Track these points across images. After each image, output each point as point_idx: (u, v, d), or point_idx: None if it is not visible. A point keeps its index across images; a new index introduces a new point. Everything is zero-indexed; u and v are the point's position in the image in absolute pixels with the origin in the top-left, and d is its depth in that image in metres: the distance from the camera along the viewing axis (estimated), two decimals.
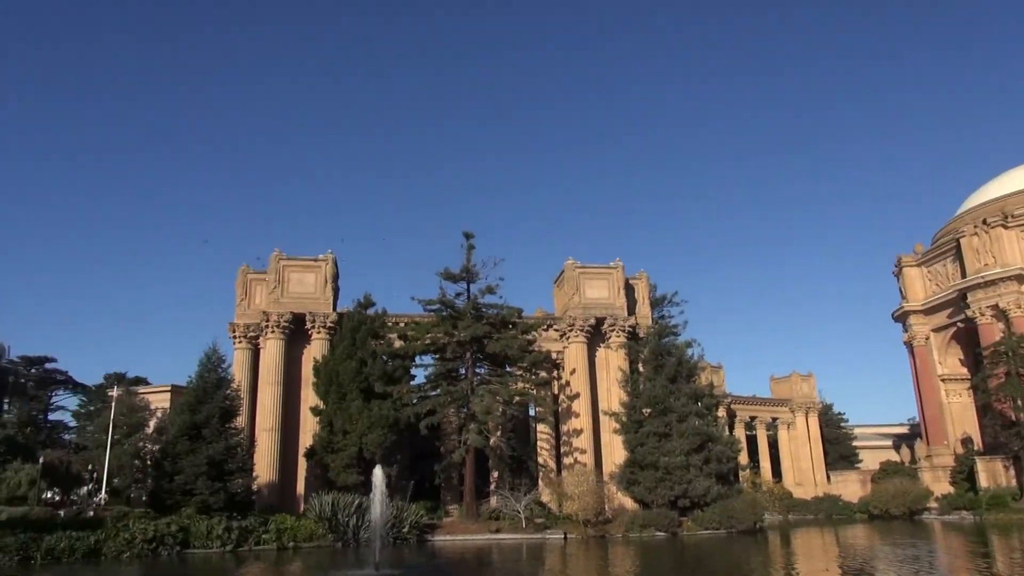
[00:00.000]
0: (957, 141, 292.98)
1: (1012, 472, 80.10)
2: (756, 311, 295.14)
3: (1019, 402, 77.03)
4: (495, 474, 69.44)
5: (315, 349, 69.42)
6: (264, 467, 64.39)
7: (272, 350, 69.87)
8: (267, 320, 69.99)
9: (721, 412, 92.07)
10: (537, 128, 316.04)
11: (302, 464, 65.80)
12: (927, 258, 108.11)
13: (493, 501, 64.25)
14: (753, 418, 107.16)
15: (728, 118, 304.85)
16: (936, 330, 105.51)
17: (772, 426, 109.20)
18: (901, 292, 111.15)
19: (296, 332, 71.00)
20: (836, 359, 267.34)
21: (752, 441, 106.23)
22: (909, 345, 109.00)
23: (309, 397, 66.62)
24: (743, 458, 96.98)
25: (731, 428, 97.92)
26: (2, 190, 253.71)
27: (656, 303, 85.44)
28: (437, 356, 68.04)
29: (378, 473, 36.88)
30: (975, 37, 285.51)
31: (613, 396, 71.57)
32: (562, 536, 55.52)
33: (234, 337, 72.85)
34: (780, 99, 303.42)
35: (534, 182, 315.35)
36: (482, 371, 68.18)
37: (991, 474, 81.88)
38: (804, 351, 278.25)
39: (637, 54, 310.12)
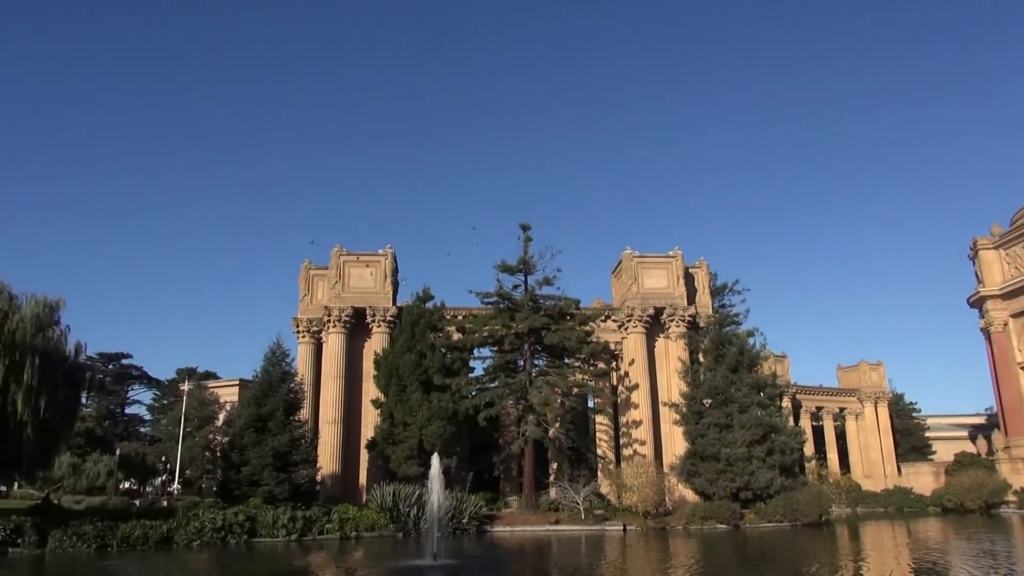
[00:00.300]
0: None
1: None
2: (824, 299, 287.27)
3: None
4: (554, 465, 69.42)
5: (375, 343, 70.54)
6: (327, 458, 65.81)
7: (334, 344, 71.27)
8: (328, 315, 71.40)
9: (785, 403, 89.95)
10: (597, 120, 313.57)
11: (364, 456, 66.99)
12: (1005, 240, 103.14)
13: (552, 492, 64.33)
14: (820, 408, 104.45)
15: (791, 107, 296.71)
16: (1015, 315, 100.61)
17: (839, 417, 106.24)
18: (977, 276, 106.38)
19: (357, 326, 72.26)
20: (908, 347, 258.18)
21: (819, 432, 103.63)
22: (986, 331, 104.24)
23: (370, 390, 67.74)
24: (809, 449, 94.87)
25: (796, 419, 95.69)
26: (78, 191, 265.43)
27: (717, 292, 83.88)
28: (495, 348, 68.42)
29: (435, 463, 37.29)
30: None
31: (673, 387, 70.69)
32: (621, 528, 55.24)
33: (297, 332, 74.54)
34: (847, 86, 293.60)
35: (593, 172, 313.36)
36: (540, 363, 68.24)
37: None
38: (874, 340, 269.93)
39: (693, 43, 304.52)
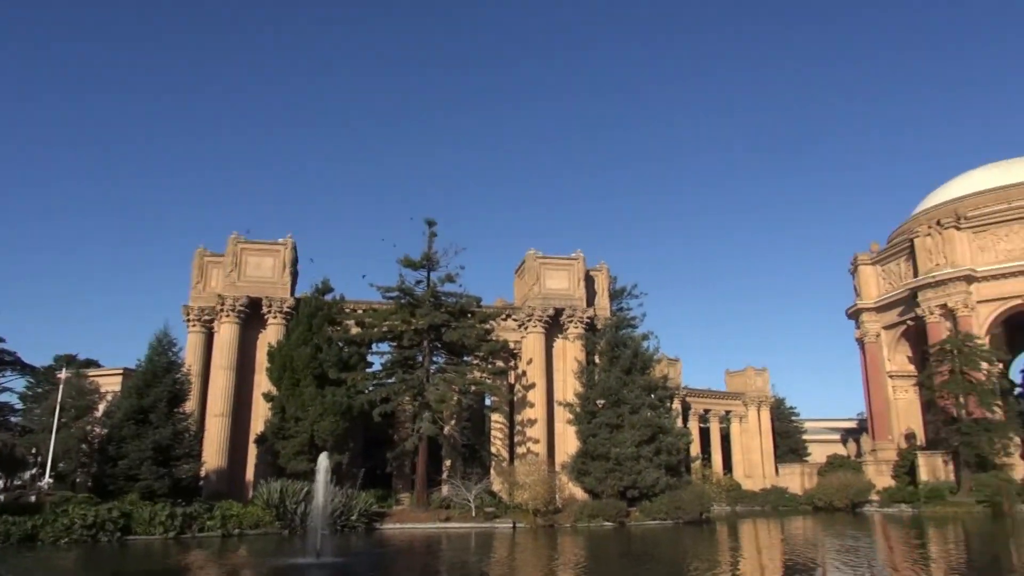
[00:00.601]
0: (917, 143, 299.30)
1: (951, 467, 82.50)
2: (718, 307, 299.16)
3: (961, 399, 79.25)
4: (448, 463, 69.62)
5: (271, 334, 68.73)
6: (213, 453, 63.76)
7: (226, 334, 69.00)
8: (222, 303, 69.09)
9: (676, 404, 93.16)
10: (504, 121, 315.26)
11: (253, 451, 65.22)
12: (882, 257, 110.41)
13: (444, 490, 64.43)
14: (707, 411, 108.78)
15: (692, 116, 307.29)
16: (887, 327, 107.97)
17: (725, 419, 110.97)
18: (856, 290, 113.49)
19: (252, 317, 70.22)
20: (792, 355, 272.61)
21: (706, 433, 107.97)
22: (861, 342, 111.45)
23: (262, 383, 65.97)
24: (696, 450, 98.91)
25: (685, 420, 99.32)
26: None
27: (615, 295, 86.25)
28: (394, 344, 67.95)
29: (322, 459, 36.76)
30: (936, 43, 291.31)
31: (569, 387, 72.08)
32: (511, 525, 55.94)
33: (188, 320, 71.78)
34: (745, 98, 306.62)
35: (499, 174, 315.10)
36: (439, 360, 68.20)
37: (931, 468, 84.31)
38: (761, 347, 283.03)
39: (603, 47, 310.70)
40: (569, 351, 74.45)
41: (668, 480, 62.00)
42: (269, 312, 69.76)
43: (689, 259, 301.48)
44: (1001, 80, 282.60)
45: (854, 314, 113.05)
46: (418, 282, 66.75)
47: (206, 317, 71.23)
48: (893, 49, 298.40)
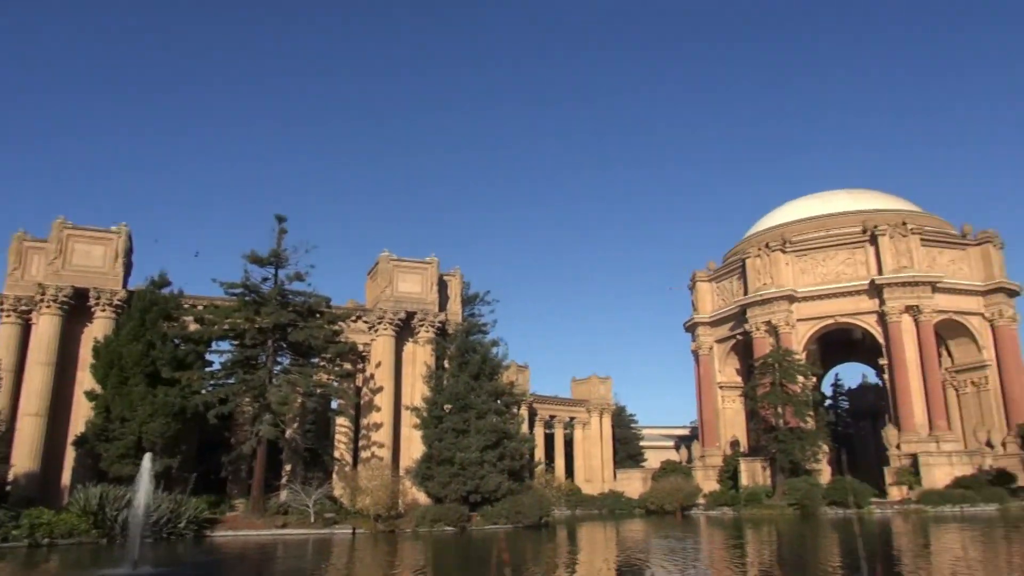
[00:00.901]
0: (759, 166, 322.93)
1: (768, 472, 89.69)
2: (566, 317, 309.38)
3: (779, 409, 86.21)
4: (288, 467, 67.48)
5: (98, 328, 64.00)
6: (24, 456, 58.54)
7: (46, 327, 63.52)
8: (43, 293, 63.59)
9: (523, 411, 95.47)
10: (365, 125, 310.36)
11: (72, 453, 60.38)
12: (717, 275, 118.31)
13: (283, 495, 62.45)
14: (553, 417, 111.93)
15: (548, 128, 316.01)
16: (719, 341, 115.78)
17: (569, 425, 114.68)
18: (693, 305, 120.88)
19: (77, 309, 65.07)
20: (634, 364, 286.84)
21: (550, 439, 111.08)
22: (695, 354, 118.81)
23: (86, 381, 61.28)
24: (540, 455, 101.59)
25: (531, 426, 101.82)
26: None
27: (468, 301, 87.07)
28: (236, 343, 65.05)
29: (146, 460, 34.71)
30: (787, 73, 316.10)
31: (417, 391, 72.01)
32: (350, 531, 55.05)
33: (2, 310, 65.48)
34: (601, 114, 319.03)
35: (356, 177, 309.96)
36: (284, 361, 66.01)
37: (751, 473, 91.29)
38: (606, 355, 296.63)
39: (457, 51, 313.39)
40: (419, 355, 74.39)
41: (510, 485, 63.22)
42: (97, 304, 64.95)
43: (542, 270, 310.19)
44: (824, 117, 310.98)
45: (691, 327, 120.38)
46: (265, 279, 64.37)
47: (23, 307, 65.25)
48: (748, 81, 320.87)
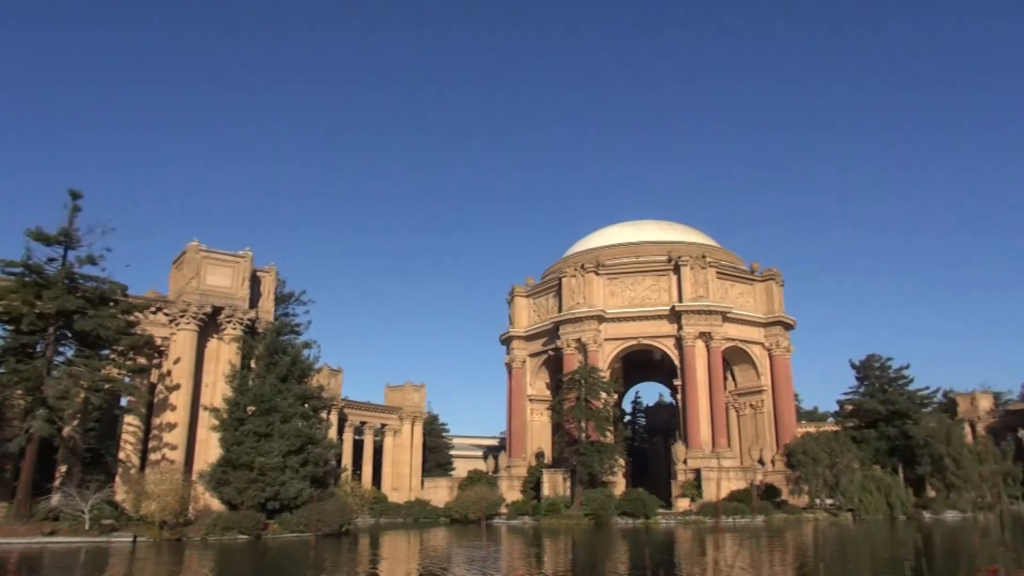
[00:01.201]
0: (586, 186, 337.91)
1: (568, 483, 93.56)
2: (386, 322, 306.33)
3: (582, 423, 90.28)
4: (63, 468, 61.20)
5: None
6: None
7: None
8: None
9: (332, 415, 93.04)
10: (182, 104, 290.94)
11: None
12: (535, 291, 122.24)
13: (55, 499, 56.50)
14: (364, 423, 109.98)
15: (386, 125, 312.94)
16: (533, 355, 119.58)
17: (380, 432, 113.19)
18: (510, 318, 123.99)
19: None
20: (450, 373, 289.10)
21: (360, 446, 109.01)
22: (509, 366, 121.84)
23: None
24: (348, 462, 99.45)
25: (341, 432, 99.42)
26: None
27: (283, 299, 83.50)
28: (11, 328, 58.21)
29: None
30: (607, 104, 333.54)
31: (218, 391, 67.98)
32: (131, 540, 50.87)
33: None
34: (447, 124, 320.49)
35: (165, 159, 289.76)
36: (67, 351, 60.03)
37: (552, 484, 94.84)
38: (423, 363, 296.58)
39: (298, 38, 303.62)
40: (224, 353, 70.37)
41: (313, 492, 61.21)
42: None
43: (363, 273, 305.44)
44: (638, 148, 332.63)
45: (506, 340, 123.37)
46: (51, 260, 58.29)
47: None
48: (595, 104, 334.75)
